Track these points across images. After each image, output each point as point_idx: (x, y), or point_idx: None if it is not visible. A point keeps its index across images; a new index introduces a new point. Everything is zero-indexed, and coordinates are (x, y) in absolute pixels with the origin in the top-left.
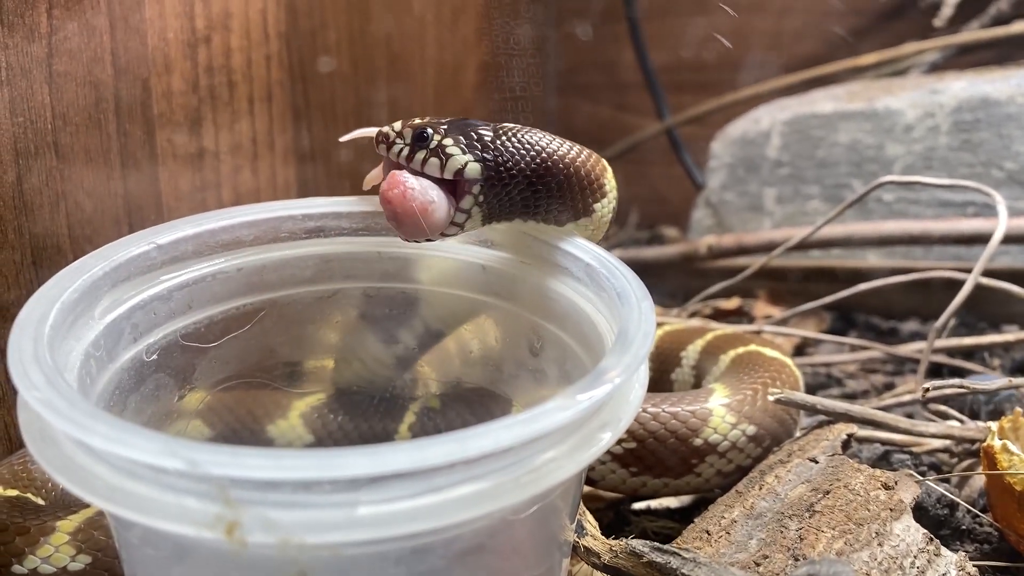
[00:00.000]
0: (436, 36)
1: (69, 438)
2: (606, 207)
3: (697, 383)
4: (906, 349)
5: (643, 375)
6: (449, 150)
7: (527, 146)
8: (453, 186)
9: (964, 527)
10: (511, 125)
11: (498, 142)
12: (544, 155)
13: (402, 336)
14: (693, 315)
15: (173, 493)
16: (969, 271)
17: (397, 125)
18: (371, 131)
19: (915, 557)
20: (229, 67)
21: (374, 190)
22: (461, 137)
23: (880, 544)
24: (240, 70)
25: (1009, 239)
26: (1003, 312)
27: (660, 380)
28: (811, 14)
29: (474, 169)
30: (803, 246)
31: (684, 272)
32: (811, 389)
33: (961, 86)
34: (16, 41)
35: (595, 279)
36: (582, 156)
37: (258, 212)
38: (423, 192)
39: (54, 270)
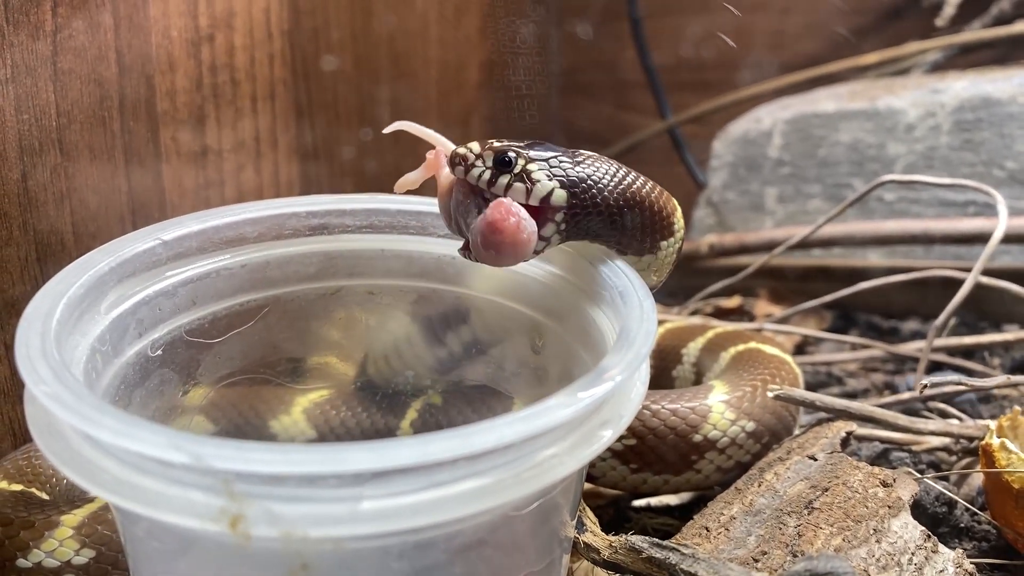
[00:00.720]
0: (439, 34)
1: (76, 431)
2: (672, 246)
3: (698, 380)
4: (906, 348)
5: (644, 373)
6: (535, 175)
7: (607, 177)
8: (534, 213)
9: (963, 525)
10: (586, 153)
11: (580, 170)
12: (623, 187)
13: (449, 340)
14: (694, 313)
15: (179, 486)
16: (970, 270)
17: (475, 146)
18: (417, 128)
19: (913, 554)
20: (232, 65)
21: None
22: (546, 163)
23: (878, 541)
24: (243, 68)
25: (1009, 238)
26: (1004, 312)
27: (661, 377)
28: (813, 13)
29: (560, 196)
30: (804, 245)
31: (685, 271)
32: (812, 388)
33: (962, 85)
34: (21, 39)
35: (597, 278)
36: (655, 192)
37: (262, 209)
38: (530, 221)
39: (59, 266)
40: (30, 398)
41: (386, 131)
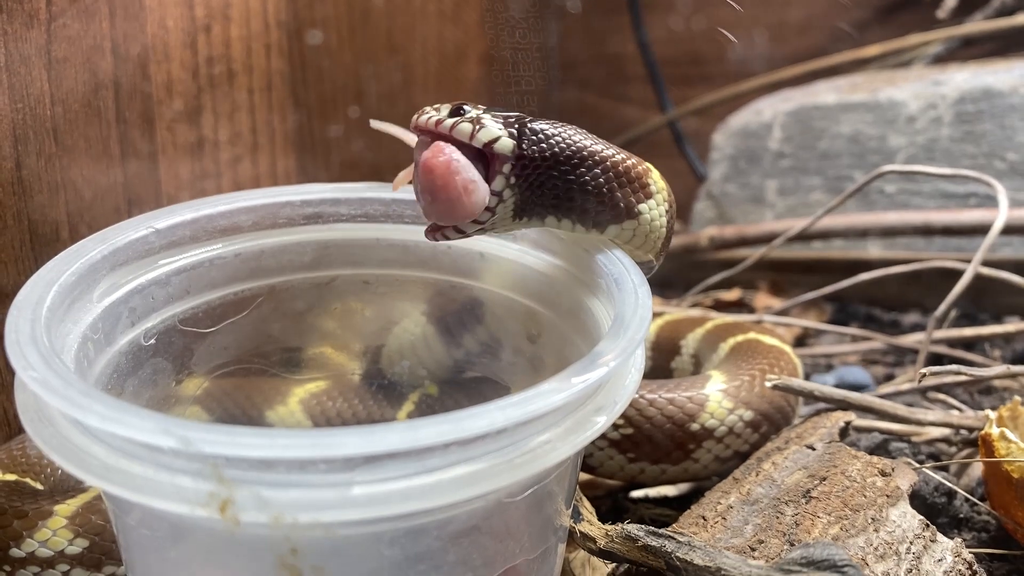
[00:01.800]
0: (438, 27)
1: (65, 417)
2: (655, 209)
3: (697, 371)
4: (906, 340)
5: (639, 360)
6: (483, 120)
7: (561, 135)
8: (482, 163)
9: (962, 515)
10: (552, 121)
11: (534, 125)
12: (577, 145)
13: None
14: (694, 306)
15: (167, 472)
16: (970, 262)
17: (437, 105)
18: (403, 132)
19: (911, 543)
20: (229, 56)
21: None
22: (501, 116)
23: (876, 530)
24: (240, 59)
25: (1010, 229)
26: (1005, 303)
27: (660, 369)
28: (814, 6)
29: (505, 145)
30: (804, 237)
31: (685, 263)
32: (811, 380)
33: (964, 77)
34: (15, 28)
35: (592, 266)
36: (620, 155)
37: (256, 198)
38: (467, 167)
39: (52, 256)
40: (20, 385)
41: (374, 124)
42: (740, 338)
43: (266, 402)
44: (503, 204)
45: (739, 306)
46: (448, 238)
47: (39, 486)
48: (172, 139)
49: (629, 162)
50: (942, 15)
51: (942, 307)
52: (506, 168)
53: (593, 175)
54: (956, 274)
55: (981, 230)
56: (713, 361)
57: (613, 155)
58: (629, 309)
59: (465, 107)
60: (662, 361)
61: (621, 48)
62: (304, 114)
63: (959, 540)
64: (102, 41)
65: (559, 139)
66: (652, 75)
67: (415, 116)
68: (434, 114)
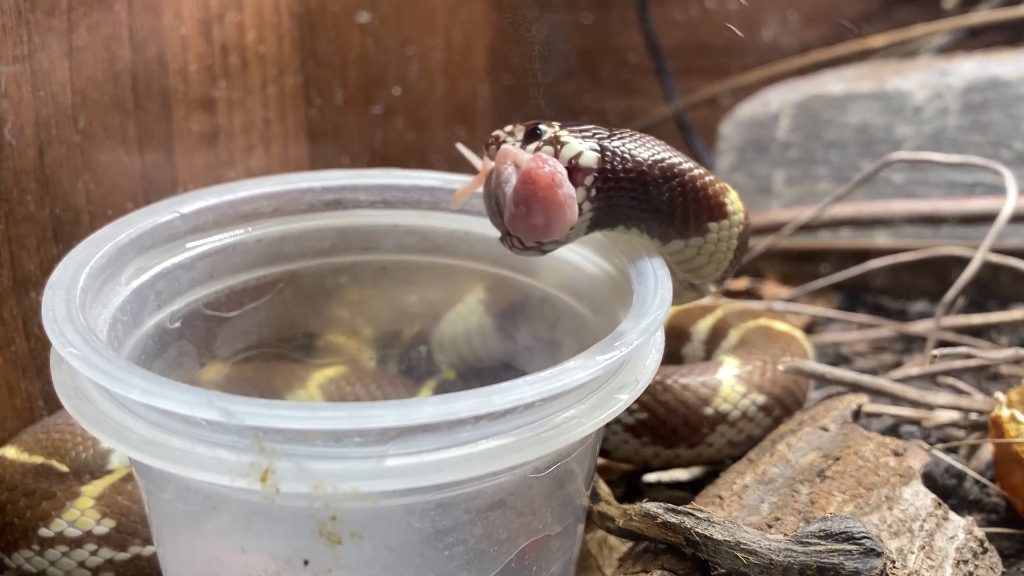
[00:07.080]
0: (445, 18)
1: (103, 393)
2: (726, 229)
3: (708, 358)
4: (915, 327)
5: (659, 340)
6: (564, 139)
7: (641, 147)
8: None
9: (972, 497)
10: (626, 130)
11: (614, 138)
12: (657, 159)
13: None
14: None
15: (206, 445)
16: (978, 250)
17: (509, 127)
18: (474, 157)
19: (924, 520)
20: (242, 45)
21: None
22: (577, 130)
23: (890, 508)
24: (252, 48)
25: (1018, 217)
26: (1013, 291)
27: (671, 355)
28: None
29: (590, 157)
30: (812, 226)
31: None
32: None
33: (971, 67)
34: (38, 16)
35: (610, 249)
36: (698, 171)
37: (277, 184)
38: (567, 181)
39: (74, 243)
40: (57, 362)
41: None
42: (751, 324)
43: (286, 386)
44: (582, 217)
45: (748, 295)
46: (526, 252)
47: (64, 468)
48: (188, 128)
49: (706, 179)
50: (948, 5)
51: (951, 293)
52: (588, 180)
53: (670, 189)
54: (963, 262)
55: (988, 218)
56: (724, 347)
57: (690, 170)
58: (649, 291)
59: (540, 127)
60: (673, 348)
61: (627, 39)
62: (315, 102)
63: (971, 518)
64: (120, 30)
65: (638, 151)
66: (658, 65)
67: (488, 143)
68: (510, 139)
